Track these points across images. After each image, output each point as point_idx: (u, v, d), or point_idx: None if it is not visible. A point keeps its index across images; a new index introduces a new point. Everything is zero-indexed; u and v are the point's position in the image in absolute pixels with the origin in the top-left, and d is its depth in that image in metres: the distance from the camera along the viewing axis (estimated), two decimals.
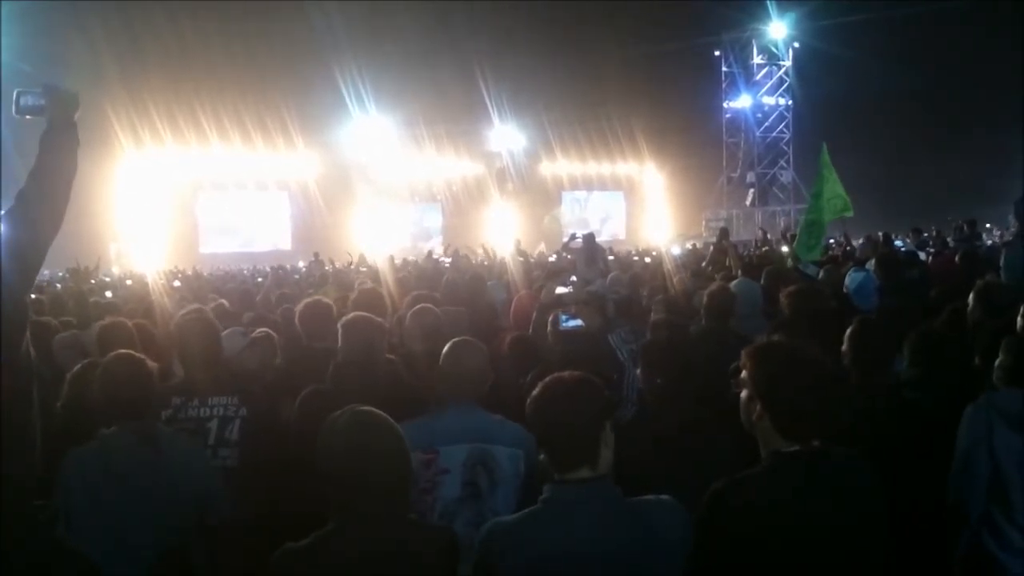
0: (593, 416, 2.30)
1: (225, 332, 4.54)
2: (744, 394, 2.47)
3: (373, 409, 2.35)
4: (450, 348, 3.38)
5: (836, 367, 3.55)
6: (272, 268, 17.90)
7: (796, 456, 2.37)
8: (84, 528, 2.98)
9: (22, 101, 2.65)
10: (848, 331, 3.64)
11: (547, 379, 2.38)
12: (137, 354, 3.35)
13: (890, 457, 3.05)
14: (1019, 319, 4.31)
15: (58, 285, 12.45)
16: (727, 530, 2.32)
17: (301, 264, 21.92)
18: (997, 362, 3.38)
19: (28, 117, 2.64)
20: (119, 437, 3.12)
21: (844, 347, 3.64)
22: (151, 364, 3.30)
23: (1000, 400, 3.22)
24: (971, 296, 4.89)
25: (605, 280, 8.27)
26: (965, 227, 14.75)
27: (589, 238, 11.79)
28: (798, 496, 2.33)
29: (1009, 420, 3.15)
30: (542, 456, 2.38)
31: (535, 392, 2.36)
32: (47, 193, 2.51)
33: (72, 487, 3.03)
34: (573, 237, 12.33)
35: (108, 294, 10.02)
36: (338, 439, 2.27)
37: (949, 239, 15.36)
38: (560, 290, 5.74)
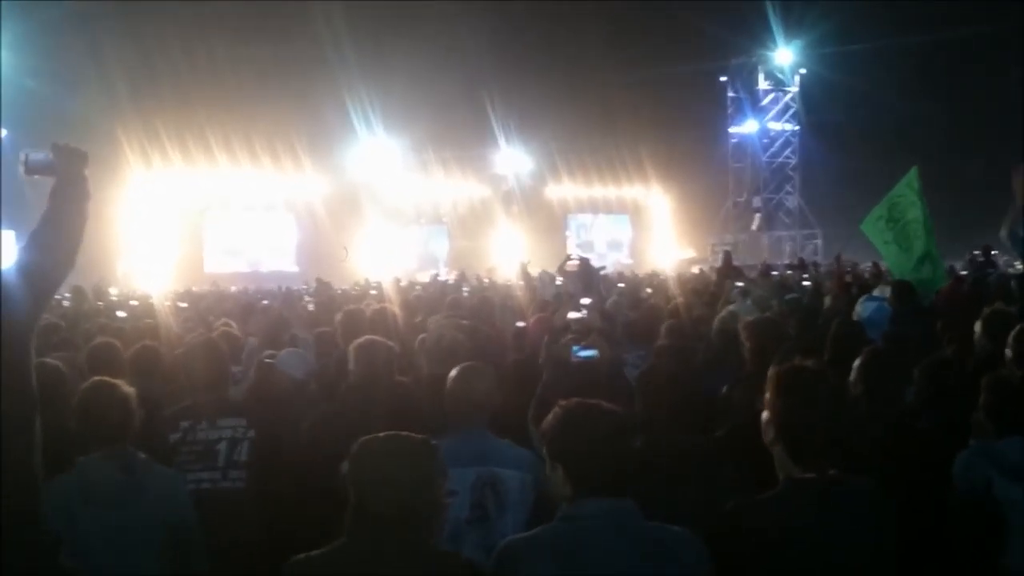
0: (623, 443, 2.35)
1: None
2: (764, 416, 2.47)
3: (408, 435, 2.36)
4: (458, 372, 3.41)
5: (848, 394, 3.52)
6: (282, 289, 17.92)
7: (810, 483, 2.37)
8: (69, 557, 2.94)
9: (31, 160, 2.67)
10: (857, 361, 3.61)
11: (572, 403, 2.40)
12: (111, 380, 3.32)
13: (902, 488, 3.02)
14: (1007, 349, 4.20)
15: (65, 303, 12.41)
16: (739, 552, 2.32)
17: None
18: (980, 401, 3.34)
19: (37, 177, 2.66)
20: (95, 464, 3.07)
21: (853, 377, 3.61)
22: (126, 389, 3.25)
23: (998, 451, 3.16)
24: (978, 324, 4.86)
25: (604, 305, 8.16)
26: (979, 254, 14.69)
27: (585, 262, 11.49)
28: (810, 523, 2.32)
29: (1008, 471, 3.09)
30: (555, 473, 2.36)
31: (563, 413, 2.38)
32: (58, 242, 2.55)
33: (52, 519, 2.98)
34: (568, 259, 12.03)
35: (121, 314, 9.96)
36: (364, 462, 2.29)
37: (956, 265, 15.29)
38: (572, 315, 5.64)
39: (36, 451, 2.45)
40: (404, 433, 2.36)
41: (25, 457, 2.41)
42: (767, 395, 2.48)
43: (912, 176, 8.39)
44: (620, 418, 2.37)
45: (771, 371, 2.52)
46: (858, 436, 3.23)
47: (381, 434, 2.35)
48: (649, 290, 14.03)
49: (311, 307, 11.90)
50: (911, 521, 2.69)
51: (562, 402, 2.42)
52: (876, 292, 8.25)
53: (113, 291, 17.39)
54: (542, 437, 2.42)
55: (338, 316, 5.32)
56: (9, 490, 2.32)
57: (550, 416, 2.41)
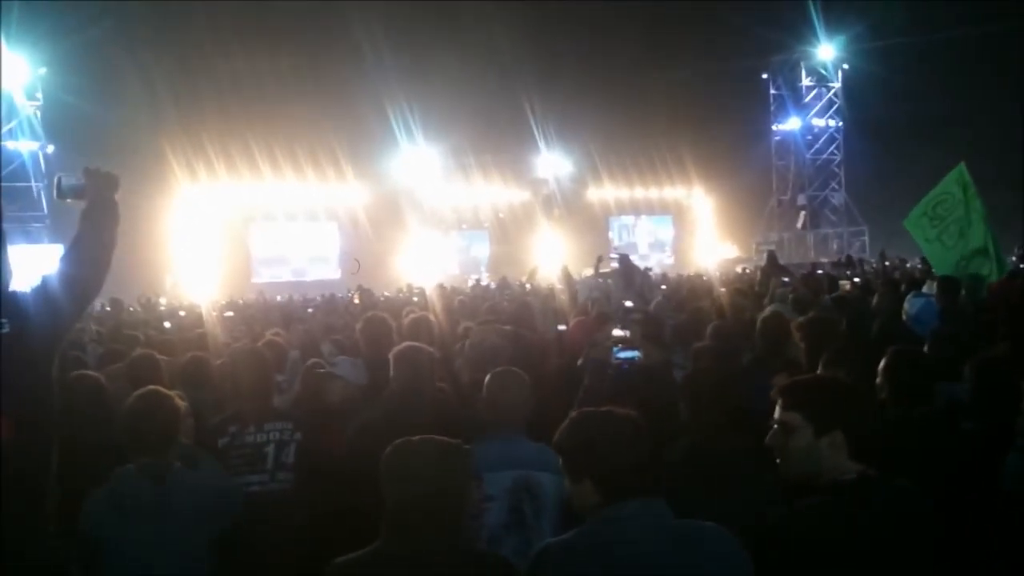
0: (644, 444, 2.32)
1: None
2: (792, 425, 2.43)
3: (439, 438, 2.39)
4: (493, 377, 3.43)
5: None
6: (323, 297, 18.07)
7: (853, 486, 2.34)
8: (106, 568, 3.00)
9: (63, 184, 2.72)
10: (881, 364, 3.53)
11: (581, 415, 2.40)
12: (163, 390, 3.36)
13: (942, 488, 2.96)
14: None
15: (107, 308, 12.64)
16: (787, 563, 2.28)
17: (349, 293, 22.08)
18: None
19: (69, 201, 2.71)
20: (129, 475, 3.13)
21: (879, 380, 3.53)
22: (177, 401, 3.30)
23: None
24: None
25: (648, 307, 8.02)
26: None
27: (624, 259, 11.19)
28: (856, 526, 2.29)
29: None
30: (579, 486, 2.33)
31: (575, 426, 2.37)
32: (86, 264, 2.60)
33: (90, 530, 3.05)
34: (600, 259, 11.59)
35: (166, 324, 10.18)
36: (396, 464, 2.34)
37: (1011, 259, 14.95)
38: (617, 333, 5.51)
39: (51, 464, 2.48)
40: (435, 436, 2.39)
41: (42, 470, 2.45)
42: (794, 403, 2.45)
43: (959, 172, 8.19)
44: (634, 420, 2.35)
45: (797, 388, 2.53)
46: (894, 437, 3.18)
47: (413, 437, 2.38)
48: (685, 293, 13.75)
49: (356, 300, 12.05)
50: (953, 523, 2.64)
51: (572, 414, 2.42)
52: (924, 288, 8.09)
53: (162, 302, 17.75)
54: (558, 453, 2.40)
55: (358, 325, 5.32)
56: (16, 499, 2.35)
57: (563, 431, 2.39)
